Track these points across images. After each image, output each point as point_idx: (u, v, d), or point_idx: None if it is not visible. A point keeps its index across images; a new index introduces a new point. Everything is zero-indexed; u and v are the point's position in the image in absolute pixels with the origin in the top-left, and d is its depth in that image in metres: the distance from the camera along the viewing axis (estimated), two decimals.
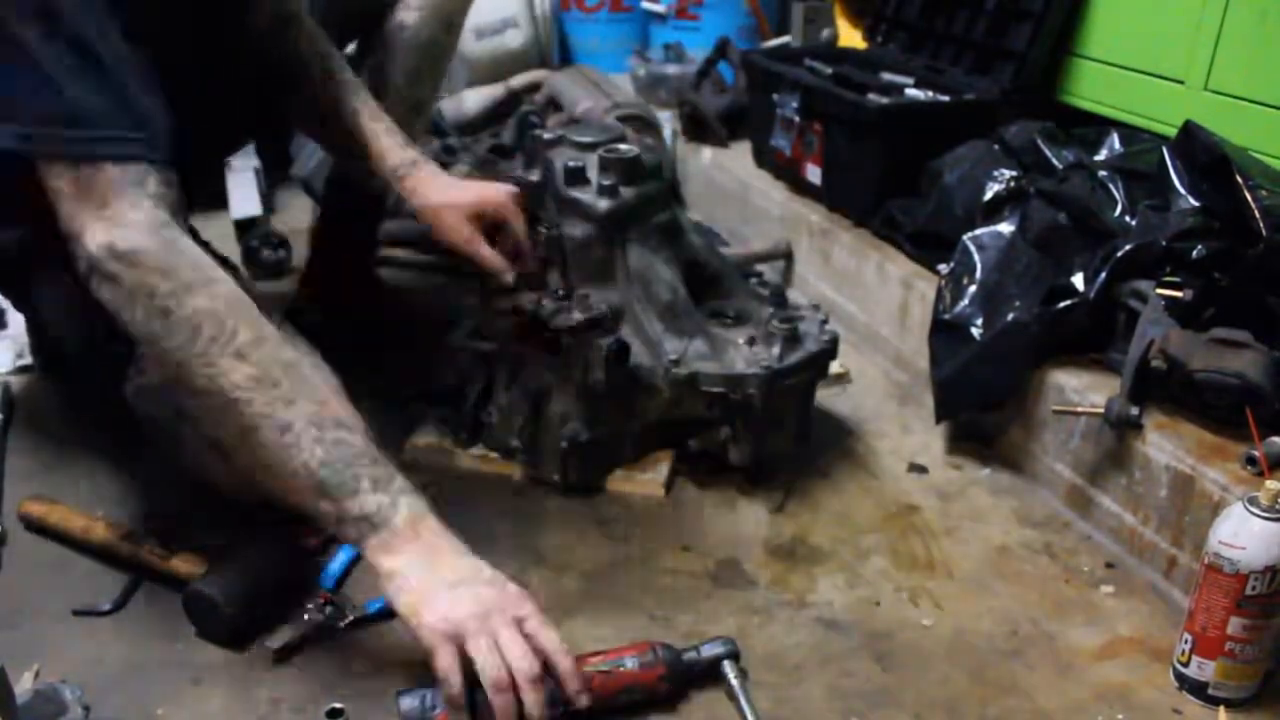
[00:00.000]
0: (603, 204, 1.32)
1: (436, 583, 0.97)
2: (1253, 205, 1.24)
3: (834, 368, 1.58)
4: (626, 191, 1.33)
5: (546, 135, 1.43)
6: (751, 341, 1.34)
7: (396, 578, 0.98)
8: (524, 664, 0.95)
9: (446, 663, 0.95)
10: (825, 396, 1.56)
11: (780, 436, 1.38)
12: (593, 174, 1.34)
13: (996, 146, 1.64)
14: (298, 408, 0.98)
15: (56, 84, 0.95)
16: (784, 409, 1.35)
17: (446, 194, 1.36)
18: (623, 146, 1.37)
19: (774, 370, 1.30)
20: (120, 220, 0.96)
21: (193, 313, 0.97)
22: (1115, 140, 1.59)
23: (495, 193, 1.36)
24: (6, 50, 0.95)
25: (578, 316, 1.29)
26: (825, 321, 1.42)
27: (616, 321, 1.33)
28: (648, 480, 1.38)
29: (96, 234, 0.96)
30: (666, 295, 1.35)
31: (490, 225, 1.36)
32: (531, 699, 0.94)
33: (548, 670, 0.97)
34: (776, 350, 1.32)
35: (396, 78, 1.57)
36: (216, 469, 1.17)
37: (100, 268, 0.97)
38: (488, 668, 0.94)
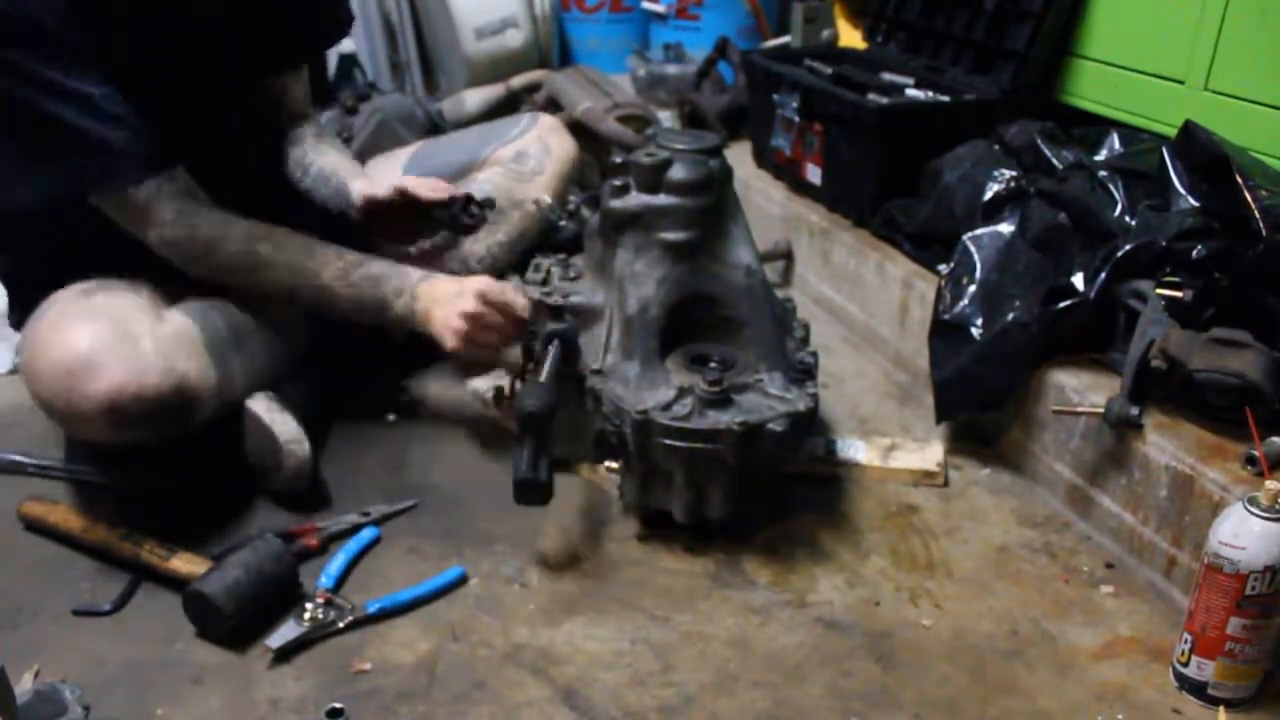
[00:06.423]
0: (606, 202, 1.32)
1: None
2: (1253, 205, 1.24)
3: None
4: (635, 197, 1.31)
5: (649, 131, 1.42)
6: (685, 391, 1.23)
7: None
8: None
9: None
10: (824, 396, 1.56)
11: (711, 500, 1.25)
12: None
13: (996, 146, 1.64)
14: (326, 273, 1.36)
15: (82, 134, 1.23)
16: (683, 466, 1.23)
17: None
18: (661, 154, 1.29)
19: (648, 418, 1.20)
20: (156, 222, 1.31)
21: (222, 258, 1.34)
22: (1115, 140, 1.59)
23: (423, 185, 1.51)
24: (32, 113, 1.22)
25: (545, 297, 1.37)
26: (805, 414, 1.24)
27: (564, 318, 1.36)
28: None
29: (149, 235, 1.31)
30: (632, 307, 1.28)
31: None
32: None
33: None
34: (686, 404, 1.22)
35: (452, 264, 1.60)
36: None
37: (162, 250, 1.33)
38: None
